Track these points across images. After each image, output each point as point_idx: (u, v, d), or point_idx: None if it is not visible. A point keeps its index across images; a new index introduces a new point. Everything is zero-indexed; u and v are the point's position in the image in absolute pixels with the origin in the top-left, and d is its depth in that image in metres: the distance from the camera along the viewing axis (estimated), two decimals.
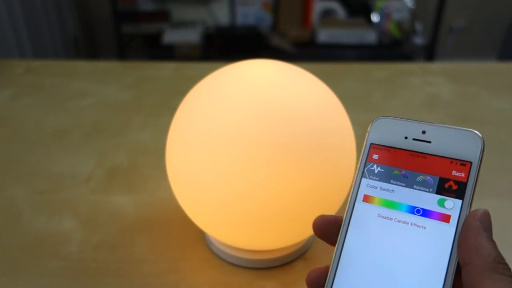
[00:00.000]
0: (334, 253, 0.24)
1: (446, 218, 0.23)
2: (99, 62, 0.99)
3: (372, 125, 0.26)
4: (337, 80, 0.83)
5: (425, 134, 0.24)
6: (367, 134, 0.26)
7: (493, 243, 0.21)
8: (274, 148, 0.35)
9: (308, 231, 0.42)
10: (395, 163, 0.24)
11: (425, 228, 0.23)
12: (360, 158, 0.25)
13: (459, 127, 0.24)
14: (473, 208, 0.23)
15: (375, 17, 2.03)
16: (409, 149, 0.24)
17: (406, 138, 0.25)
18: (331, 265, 0.24)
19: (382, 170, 0.25)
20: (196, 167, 0.37)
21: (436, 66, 1.09)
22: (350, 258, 0.23)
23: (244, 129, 0.36)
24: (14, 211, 0.51)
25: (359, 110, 0.73)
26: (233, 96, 0.37)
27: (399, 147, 0.25)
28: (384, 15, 1.99)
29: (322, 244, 0.47)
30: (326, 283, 0.23)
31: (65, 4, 1.91)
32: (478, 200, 0.24)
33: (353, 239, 0.24)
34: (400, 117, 0.25)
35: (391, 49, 1.98)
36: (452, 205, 0.23)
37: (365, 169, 0.25)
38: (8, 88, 0.81)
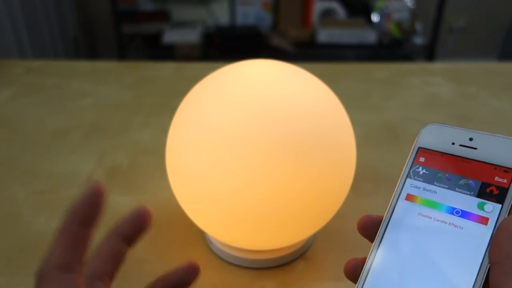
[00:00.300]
0: (372, 246, 0.25)
1: (484, 221, 0.23)
2: (99, 62, 0.99)
3: (421, 130, 0.27)
4: (337, 80, 0.83)
5: (472, 141, 0.25)
6: (416, 138, 0.27)
7: None
8: (274, 148, 0.35)
9: (308, 231, 0.42)
10: (440, 166, 0.26)
11: (462, 228, 0.23)
12: (407, 159, 0.27)
13: (506, 136, 0.25)
14: None
15: (375, 17, 2.03)
16: (455, 154, 0.25)
17: (453, 144, 0.26)
18: (368, 257, 0.25)
19: (427, 172, 0.26)
20: (196, 167, 0.37)
21: (436, 66, 1.09)
22: (386, 252, 0.24)
23: (244, 129, 0.36)
24: (14, 211, 0.51)
25: (359, 110, 0.73)
26: (233, 96, 0.37)
27: (445, 151, 0.26)
28: (384, 15, 1.99)
29: (322, 244, 0.47)
30: (361, 274, 0.24)
31: (65, 4, 1.91)
32: None
33: (392, 234, 0.25)
34: (449, 124, 0.26)
35: (391, 49, 1.98)
36: (492, 209, 0.23)
37: (410, 170, 0.26)
38: (8, 88, 0.81)
